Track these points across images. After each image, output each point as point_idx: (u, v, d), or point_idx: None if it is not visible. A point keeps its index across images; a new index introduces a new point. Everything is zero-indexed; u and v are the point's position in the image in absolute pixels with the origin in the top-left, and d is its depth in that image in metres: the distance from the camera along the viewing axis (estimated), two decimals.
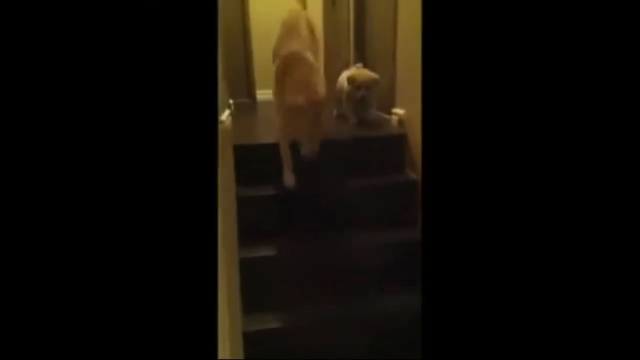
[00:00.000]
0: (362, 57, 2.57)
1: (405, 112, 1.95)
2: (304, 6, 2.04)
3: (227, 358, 0.99)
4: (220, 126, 0.96)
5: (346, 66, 2.46)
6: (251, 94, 3.22)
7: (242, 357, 1.13)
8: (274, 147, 1.74)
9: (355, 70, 2.10)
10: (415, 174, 1.86)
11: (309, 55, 1.50)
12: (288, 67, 1.44)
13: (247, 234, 1.52)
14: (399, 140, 1.94)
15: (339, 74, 2.24)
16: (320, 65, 1.58)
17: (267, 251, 1.61)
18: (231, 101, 1.98)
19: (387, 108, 2.12)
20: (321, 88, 1.48)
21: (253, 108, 3.00)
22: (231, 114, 1.24)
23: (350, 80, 2.02)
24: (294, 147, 1.68)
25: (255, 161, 1.77)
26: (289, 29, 1.61)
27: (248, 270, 1.47)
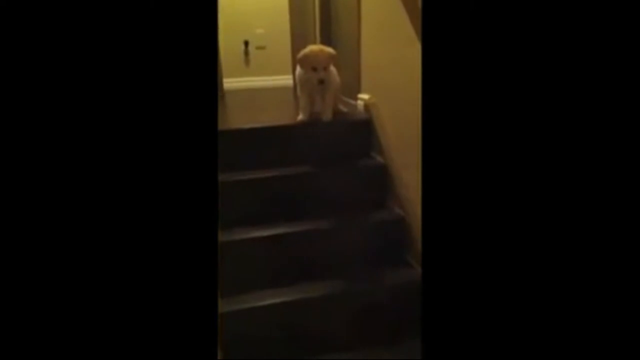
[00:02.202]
0: (328, 43, 2.60)
1: (370, 97, 2.00)
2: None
3: None
4: None
5: None
6: (218, 83, 3.19)
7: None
8: (244, 133, 1.79)
9: (308, 49, 1.80)
10: (382, 157, 1.91)
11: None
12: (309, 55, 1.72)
13: (221, 218, 1.54)
14: (365, 125, 1.98)
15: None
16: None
17: (240, 235, 1.63)
18: None
19: (353, 93, 2.16)
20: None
21: (220, 96, 2.98)
22: None
23: (302, 60, 1.76)
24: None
25: (224, 147, 1.78)
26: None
27: (223, 254, 1.49)
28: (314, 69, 1.74)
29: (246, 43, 4.36)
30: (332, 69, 1.86)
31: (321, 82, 1.73)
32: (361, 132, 1.99)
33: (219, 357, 1.15)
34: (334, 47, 2.19)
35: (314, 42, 2.82)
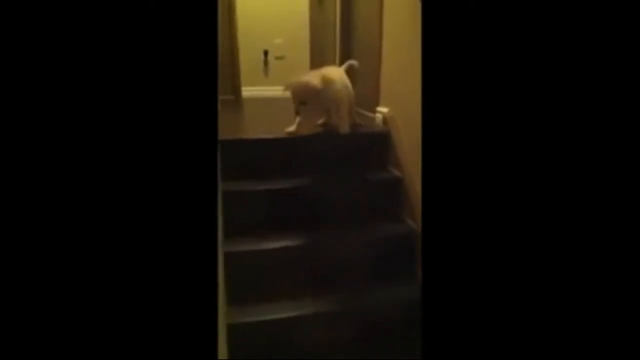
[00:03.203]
0: (347, 55, 2.60)
1: (389, 110, 1.98)
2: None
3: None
4: None
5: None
6: (236, 91, 3.21)
7: (225, 348, 1.14)
8: (258, 143, 1.78)
9: (304, 76, 1.81)
10: (398, 171, 1.89)
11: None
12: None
13: (231, 228, 1.53)
14: (383, 138, 1.97)
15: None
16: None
17: (250, 245, 1.62)
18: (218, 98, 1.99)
19: (372, 106, 2.15)
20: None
21: (238, 104, 3.00)
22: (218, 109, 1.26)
23: (288, 88, 1.81)
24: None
25: (240, 156, 1.78)
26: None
27: (232, 264, 1.48)
28: (295, 99, 1.79)
29: (265, 52, 4.40)
30: (347, 82, 1.89)
31: (296, 112, 1.80)
32: (378, 144, 1.97)
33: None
34: (354, 59, 2.19)
35: (334, 53, 2.83)
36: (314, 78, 1.76)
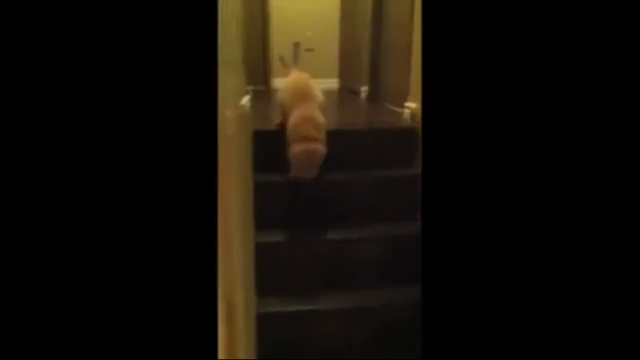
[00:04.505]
0: (377, 49, 2.58)
1: (418, 106, 1.96)
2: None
3: (241, 336, 1.03)
4: (240, 110, 0.99)
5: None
6: (267, 82, 3.25)
7: (254, 337, 1.17)
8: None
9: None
10: None
11: (318, 116, 1.74)
12: (301, 125, 1.69)
13: (262, 219, 1.56)
14: (410, 134, 1.95)
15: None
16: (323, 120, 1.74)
17: (280, 236, 1.65)
18: (249, 88, 2.02)
19: (400, 102, 2.14)
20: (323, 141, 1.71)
21: (268, 95, 3.03)
22: (250, 100, 1.29)
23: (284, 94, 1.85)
24: None
25: (271, 147, 1.81)
26: (301, 94, 1.80)
27: (262, 254, 1.51)
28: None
29: (296, 45, 4.42)
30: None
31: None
32: (405, 141, 1.96)
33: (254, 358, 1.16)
34: (384, 53, 2.18)
35: (364, 47, 2.81)
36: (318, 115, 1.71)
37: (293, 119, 1.71)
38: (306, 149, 1.63)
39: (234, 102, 0.96)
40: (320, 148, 1.66)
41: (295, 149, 1.64)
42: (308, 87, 1.83)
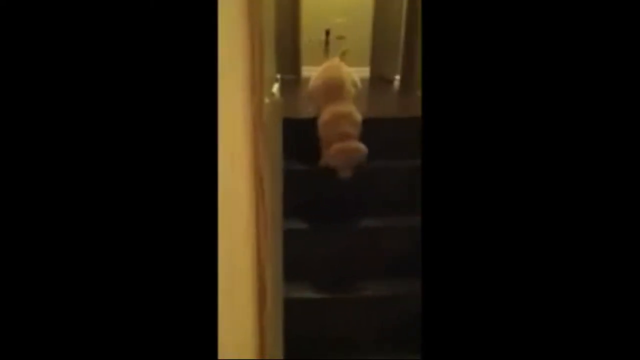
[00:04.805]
0: (412, 37, 2.53)
1: None
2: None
3: (268, 323, 1.04)
4: (271, 99, 0.99)
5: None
6: (297, 71, 3.24)
7: (281, 323, 1.19)
8: (309, 124, 1.78)
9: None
10: None
11: (355, 112, 1.66)
12: (336, 123, 1.61)
13: (290, 208, 1.57)
14: None
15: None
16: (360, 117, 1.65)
17: (306, 224, 1.66)
18: (278, 76, 2.01)
19: None
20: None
21: (298, 84, 3.03)
22: (280, 88, 1.29)
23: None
24: None
25: (301, 135, 1.81)
26: (334, 88, 1.70)
27: (289, 242, 1.52)
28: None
29: (327, 32, 4.37)
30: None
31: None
32: None
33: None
34: (419, 43, 2.12)
35: (398, 35, 2.75)
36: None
37: (327, 115, 1.64)
38: (343, 148, 1.57)
39: (266, 90, 0.96)
40: (361, 147, 1.60)
41: (333, 147, 1.58)
42: (341, 81, 1.72)
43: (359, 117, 1.65)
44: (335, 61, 1.85)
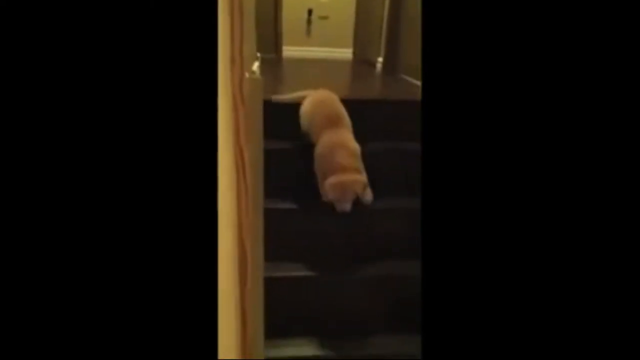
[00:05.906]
0: (396, 19, 2.51)
1: None
2: None
3: (248, 302, 1.05)
4: (251, 76, 0.97)
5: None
6: (278, 50, 3.19)
7: (262, 301, 1.19)
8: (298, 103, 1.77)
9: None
10: None
11: (353, 142, 1.60)
12: (333, 154, 1.54)
13: (271, 186, 1.56)
14: None
15: None
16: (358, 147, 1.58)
17: (289, 204, 1.65)
18: (258, 54, 1.98)
19: (417, 73, 2.09)
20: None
21: (279, 63, 2.99)
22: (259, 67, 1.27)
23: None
24: None
25: (281, 115, 1.79)
26: (330, 117, 1.63)
27: (270, 221, 1.52)
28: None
29: (310, 11, 4.31)
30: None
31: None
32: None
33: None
34: (403, 23, 2.12)
35: (381, 16, 2.73)
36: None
37: (323, 146, 1.55)
38: (342, 182, 1.48)
39: (247, 65, 0.94)
40: (360, 178, 1.52)
41: (331, 180, 1.49)
42: (338, 110, 1.65)
43: (356, 147, 1.57)
44: (326, 93, 1.78)
